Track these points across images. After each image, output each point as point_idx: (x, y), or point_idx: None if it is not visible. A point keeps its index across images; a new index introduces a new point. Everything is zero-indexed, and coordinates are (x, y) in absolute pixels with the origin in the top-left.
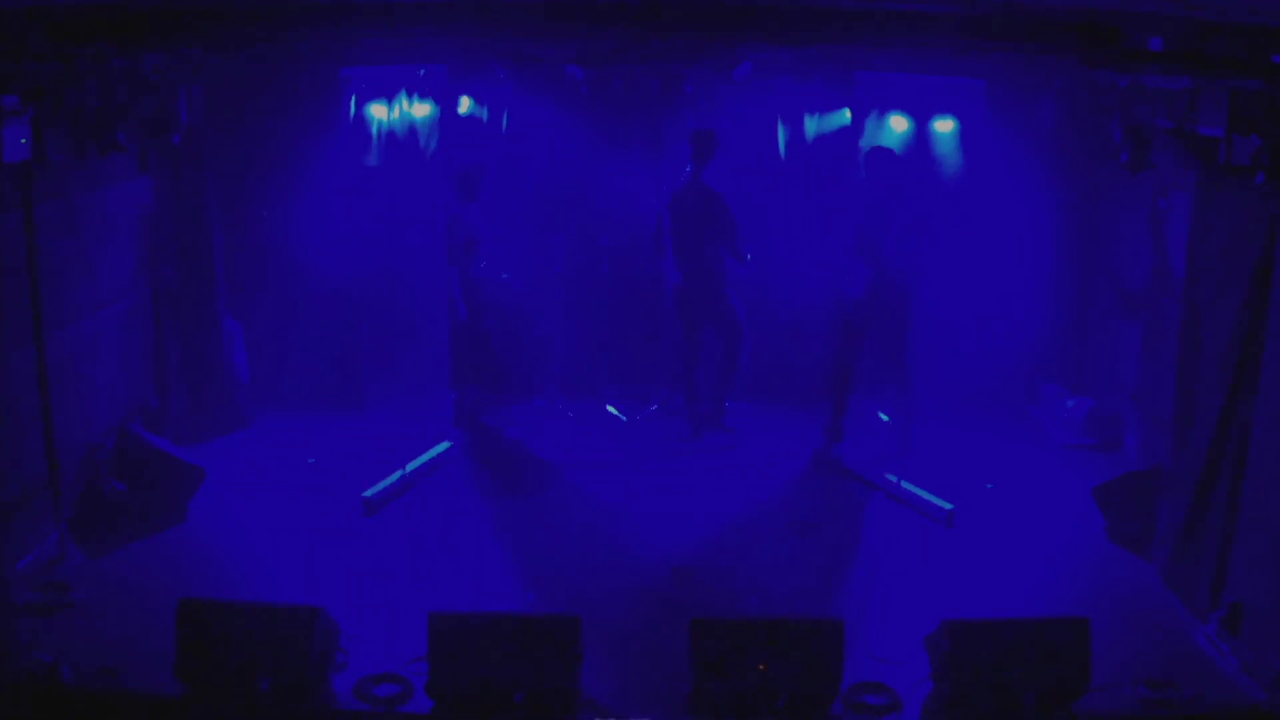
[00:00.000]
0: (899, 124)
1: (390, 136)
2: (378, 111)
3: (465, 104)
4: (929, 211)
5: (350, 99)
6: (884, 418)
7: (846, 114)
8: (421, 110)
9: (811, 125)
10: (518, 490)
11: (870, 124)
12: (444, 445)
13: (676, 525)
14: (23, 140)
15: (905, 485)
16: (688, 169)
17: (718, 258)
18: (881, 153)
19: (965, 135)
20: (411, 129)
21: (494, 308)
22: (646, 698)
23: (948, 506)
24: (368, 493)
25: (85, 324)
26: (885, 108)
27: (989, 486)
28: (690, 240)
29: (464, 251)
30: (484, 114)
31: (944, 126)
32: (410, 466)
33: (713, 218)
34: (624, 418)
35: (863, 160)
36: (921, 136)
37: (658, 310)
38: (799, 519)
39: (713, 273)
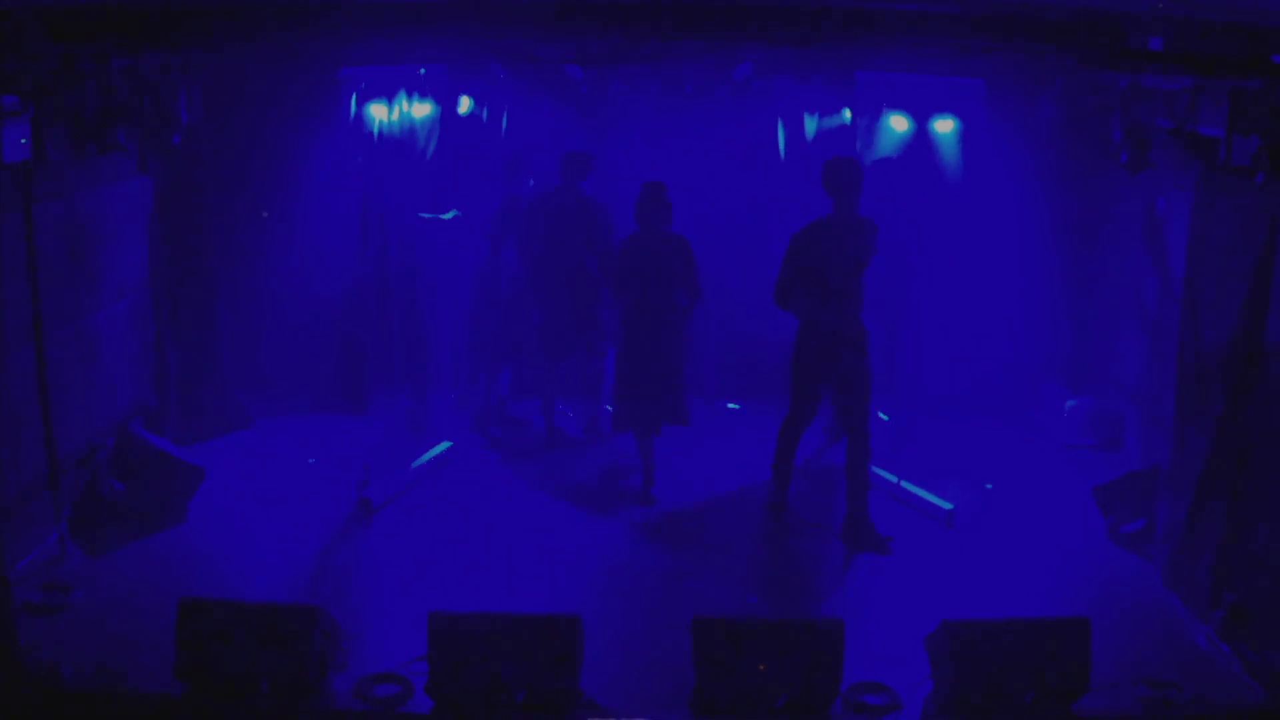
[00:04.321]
0: (899, 124)
1: (390, 136)
2: (378, 111)
3: (465, 104)
4: (925, 212)
5: (350, 99)
6: (884, 417)
7: (846, 114)
8: (421, 110)
9: (811, 125)
10: (518, 489)
11: (871, 124)
12: (444, 445)
13: (677, 525)
14: (23, 140)
15: (905, 485)
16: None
17: (860, 297)
18: (884, 165)
19: (965, 135)
20: (411, 129)
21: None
22: (646, 698)
23: (948, 506)
24: (368, 493)
25: (85, 324)
26: (885, 107)
27: (989, 486)
28: (840, 278)
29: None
30: (484, 114)
31: (944, 126)
32: (411, 466)
33: (865, 258)
34: None
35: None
36: (921, 136)
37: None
38: (799, 519)
39: (857, 316)
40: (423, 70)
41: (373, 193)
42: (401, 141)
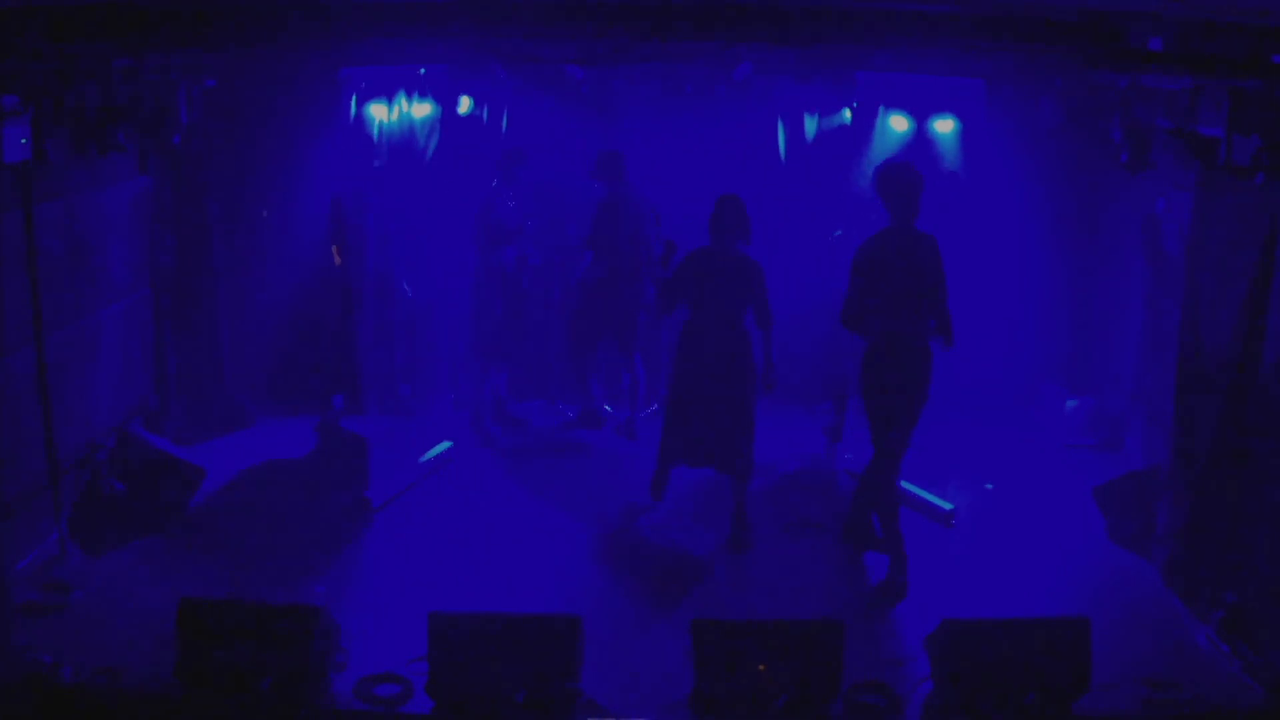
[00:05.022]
0: (899, 124)
1: (390, 136)
2: (378, 111)
3: (465, 104)
4: (924, 212)
5: (350, 99)
6: None
7: (846, 114)
8: (421, 110)
9: (811, 125)
10: (518, 489)
11: (869, 122)
12: (444, 445)
13: (678, 525)
14: (23, 140)
15: (905, 485)
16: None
17: (926, 315)
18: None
19: (965, 135)
20: (411, 129)
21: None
22: (646, 698)
23: (948, 506)
24: (368, 493)
25: (85, 324)
26: (886, 107)
27: (989, 486)
28: (905, 294)
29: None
30: (484, 114)
31: (944, 126)
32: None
33: (929, 274)
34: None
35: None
36: (921, 136)
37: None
38: (799, 519)
39: (924, 335)
40: (423, 70)
41: (370, 193)
42: (401, 141)
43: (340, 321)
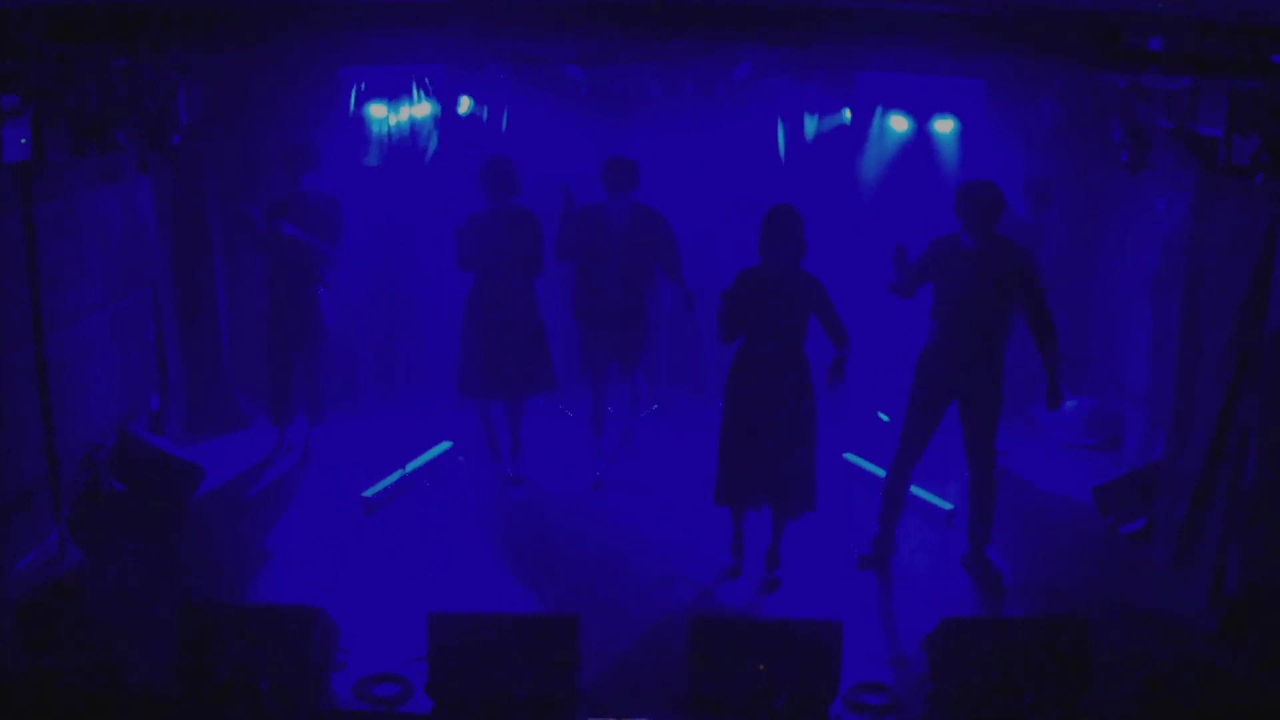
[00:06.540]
0: (899, 124)
1: (390, 136)
2: (378, 111)
3: (465, 104)
4: (924, 212)
5: (350, 99)
6: (884, 418)
7: (846, 114)
8: (421, 110)
9: (811, 125)
10: (517, 489)
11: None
12: (444, 445)
13: (678, 525)
14: (23, 140)
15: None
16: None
17: (1004, 328)
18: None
19: (965, 135)
20: (411, 129)
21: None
22: (646, 698)
23: (948, 506)
24: (368, 493)
25: (85, 324)
26: (886, 107)
27: None
28: (974, 306)
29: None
30: (484, 114)
31: (944, 126)
32: (410, 466)
33: (1019, 282)
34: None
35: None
36: (921, 136)
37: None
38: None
39: (995, 348)
40: (423, 71)
41: (370, 194)
42: (401, 141)
43: (348, 322)
